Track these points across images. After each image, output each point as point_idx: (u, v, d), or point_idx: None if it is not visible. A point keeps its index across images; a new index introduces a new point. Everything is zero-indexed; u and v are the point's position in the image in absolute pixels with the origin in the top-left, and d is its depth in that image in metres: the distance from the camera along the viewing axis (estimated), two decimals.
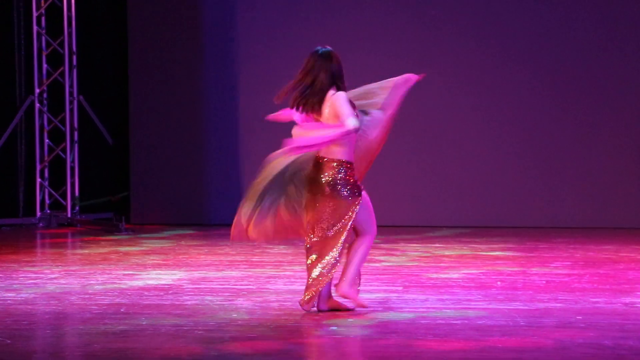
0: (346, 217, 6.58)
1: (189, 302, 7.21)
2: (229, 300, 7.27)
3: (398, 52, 11.58)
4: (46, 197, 12.27)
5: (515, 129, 11.67)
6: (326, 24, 11.78)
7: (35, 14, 12.09)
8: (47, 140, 12.28)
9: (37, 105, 12.17)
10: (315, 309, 6.71)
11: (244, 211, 6.67)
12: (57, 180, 12.32)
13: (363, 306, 6.79)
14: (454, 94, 11.67)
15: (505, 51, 11.60)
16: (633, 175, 11.52)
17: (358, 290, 6.77)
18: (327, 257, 6.59)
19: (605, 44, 11.49)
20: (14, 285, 7.94)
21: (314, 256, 6.63)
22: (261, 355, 5.75)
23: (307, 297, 6.67)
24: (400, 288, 7.73)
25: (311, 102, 6.63)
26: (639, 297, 7.31)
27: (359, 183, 6.69)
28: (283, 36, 11.92)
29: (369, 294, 7.45)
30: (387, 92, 6.75)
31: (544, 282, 7.94)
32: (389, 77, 6.86)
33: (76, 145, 12.20)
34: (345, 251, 6.67)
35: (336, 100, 6.58)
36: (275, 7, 11.93)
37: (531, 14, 11.57)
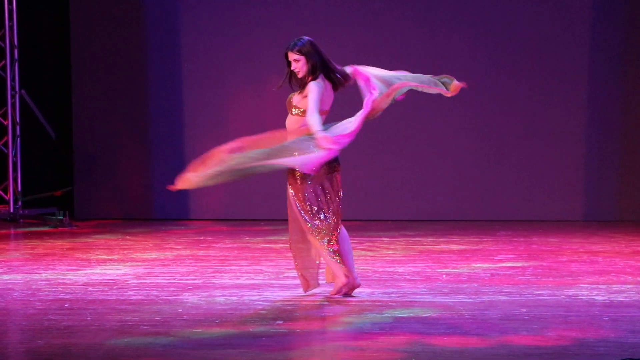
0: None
1: (134, 297, 7.17)
2: (175, 295, 7.25)
3: (344, 42, 11.60)
4: None
5: (458, 122, 11.74)
6: (270, 15, 11.76)
7: None
8: None
9: None
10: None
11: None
12: None
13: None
14: None
15: (445, 42, 11.66)
16: (575, 168, 11.65)
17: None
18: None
19: (546, 38, 11.59)
20: None
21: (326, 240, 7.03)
22: (207, 349, 5.73)
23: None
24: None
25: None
26: (582, 289, 7.40)
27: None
28: (226, 29, 11.88)
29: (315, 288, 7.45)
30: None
31: (488, 275, 8.00)
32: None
33: (18, 140, 12.08)
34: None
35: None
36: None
37: (477, 9, 11.63)
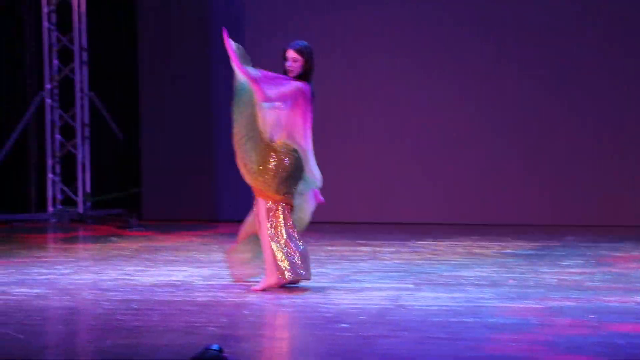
0: None
1: (200, 299, 7.21)
2: (241, 297, 7.27)
3: (404, 47, 11.57)
4: (57, 193, 12.29)
5: (525, 123, 11.62)
6: (333, 18, 11.75)
7: (45, 11, 12.09)
8: (58, 136, 12.29)
9: (48, 101, 12.18)
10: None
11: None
12: (68, 176, 12.33)
13: None
14: (445, 89, 11.63)
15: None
16: None
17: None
18: None
19: (593, 40, 11.45)
20: (27, 281, 7.95)
21: None
22: (273, 351, 5.75)
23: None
24: (412, 285, 7.72)
25: None
26: None
27: None
28: (292, 31, 11.90)
29: (380, 291, 7.45)
30: None
31: (555, 280, 7.93)
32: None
33: (87, 141, 12.21)
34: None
35: None
36: (283, 1, 11.91)
37: (523, 10, 11.49)
